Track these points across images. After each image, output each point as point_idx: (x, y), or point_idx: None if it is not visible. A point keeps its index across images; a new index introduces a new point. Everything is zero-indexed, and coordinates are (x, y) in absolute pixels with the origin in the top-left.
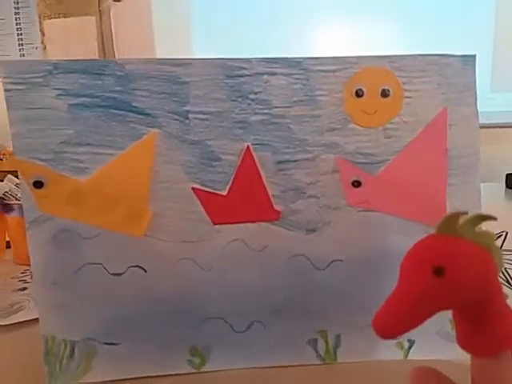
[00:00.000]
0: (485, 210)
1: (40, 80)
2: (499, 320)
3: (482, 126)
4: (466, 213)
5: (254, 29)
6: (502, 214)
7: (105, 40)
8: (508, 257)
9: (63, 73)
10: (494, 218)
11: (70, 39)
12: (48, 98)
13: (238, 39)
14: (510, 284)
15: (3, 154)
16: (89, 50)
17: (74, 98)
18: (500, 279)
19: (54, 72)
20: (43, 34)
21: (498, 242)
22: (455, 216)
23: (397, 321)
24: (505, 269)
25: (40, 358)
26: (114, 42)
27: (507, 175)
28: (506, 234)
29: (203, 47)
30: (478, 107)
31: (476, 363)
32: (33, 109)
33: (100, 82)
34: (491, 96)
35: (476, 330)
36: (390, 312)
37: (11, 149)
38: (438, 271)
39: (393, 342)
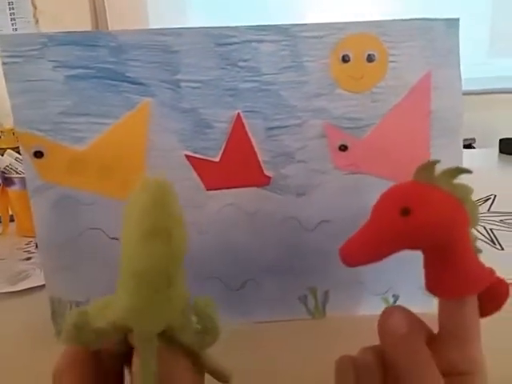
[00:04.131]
0: (478, 174)
1: (36, 53)
2: (464, 265)
3: (479, 92)
4: (438, 161)
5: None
6: (495, 177)
7: (97, 12)
8: (495, 218)
9: (58, 45)
10: (470, 172)
11: (63, 11)
12: (45, 70)
13: (233, 8)
14: (493, 243)
15: (1, 132)
16: (82, 23)
17: (70, 70)
18: (485, 239)
19: (49, 44)
20: (35, 8)
21: (486, 204)
22: (431, 164)
23: (361, 250)
24: (490, 229)
25: (47, 321)
26: (107, 13)
27: (500, 140)
28: (495, 196)
29: (198, 17)
30: (475, 73)
31: (442, 306)
32: (30, 81)
33: (94, 53)
34: (489, 61)
35: (441, 273)
36: (356, 242)
37: (9, 126)
38: (405, 211)
39: (378, 296)
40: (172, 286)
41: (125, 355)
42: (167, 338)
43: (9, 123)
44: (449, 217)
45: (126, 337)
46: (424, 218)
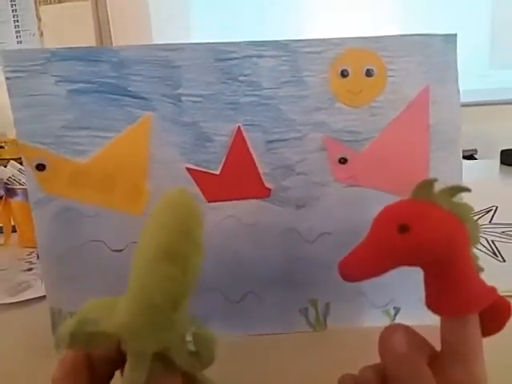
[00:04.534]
0: (479, 185)
1: (39, 67)
2: (464, 284)
3: (480, 104)
4: (436, 180)
5: (252, 15)
6: (496, 189)
7: (101, 25)
8: (496, 230)
9: (61, 60)
10: (469, 190)
11: (67, 25)
12: (47, 85)
13: (235, 25)
14: (495, 255)
15: (4, 142)
16: (86, 36)
17: (72, 84)
18: (487, 250)
19: (52, 60)
20: (39, 20)
21: (487, 216)
22: (429, 182)
23: (359, 266)
24: (492, 241)
25: (48, 332)
26: (111, 26)
27: (502, 151)
28: (496, 208)
29: (201, 32)
30: (476, 84)
31: (444, 325)
32: (33, 95)
33: (96, 68)
34: (489, 73)
35: (442, 291)
36: (355, 258)
37: (12, 136)
38: (403, 228)
39: (379, 309)
40: (177, 311)
41: (117, 361)
42: (161, 356)
43: (12, 134)
44: (448, 234)
45: (120, 344)
46: (422, 235)
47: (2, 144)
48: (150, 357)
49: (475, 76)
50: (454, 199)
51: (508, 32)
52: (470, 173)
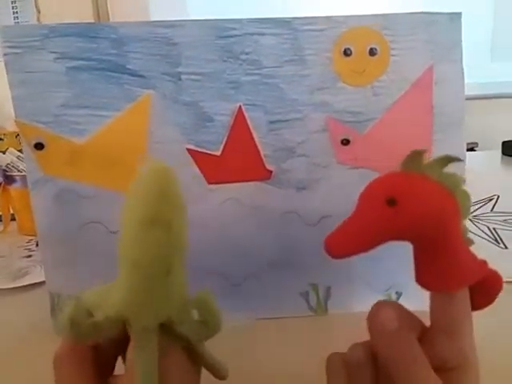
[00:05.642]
0: (481, 175)
1: (37, 44)
2: (454, 258)
3: (481, 97)
4: (426, 151)
5: None
6: (498, 179)
7: (100, 15)
8: (497, 218)
9: (59, 36)
10: (460, 160)
11: (66, 17)
12: (45, 62)
13: (233, 2)
14: (497, 242)
15: (4, 134)
16: None
17: (71, 61)
18: (489, 238)
19: (51, 36)
20: (39, 12)
21: (489, 204)
22: (418, 153)
23: (345, 242)
24: (494, 228)
25: (47, 317)
26: (110, 18)
27: (503, 143)
28: (498, 197)
29: (198, 10)
30: (478, 78)
31: (433, 299)
32: (31, 72)
33: (95, 45)
34: (491, 66)
35: (431, 266)
36: (341, 233)
37: (11, 129)
38: (391, 201)
39: (381, 294)
40: (170, 274)
41: (123, 342)
42: (165, 330)
43: (11, 126)
44: (437, 207)
45: (124, 325)
46: (410, 209)
47: (1, 136)
48: (155, 333)
49: (477, 69)
50: (444, 170)
51: (510, 25)
52: (471, 163)
